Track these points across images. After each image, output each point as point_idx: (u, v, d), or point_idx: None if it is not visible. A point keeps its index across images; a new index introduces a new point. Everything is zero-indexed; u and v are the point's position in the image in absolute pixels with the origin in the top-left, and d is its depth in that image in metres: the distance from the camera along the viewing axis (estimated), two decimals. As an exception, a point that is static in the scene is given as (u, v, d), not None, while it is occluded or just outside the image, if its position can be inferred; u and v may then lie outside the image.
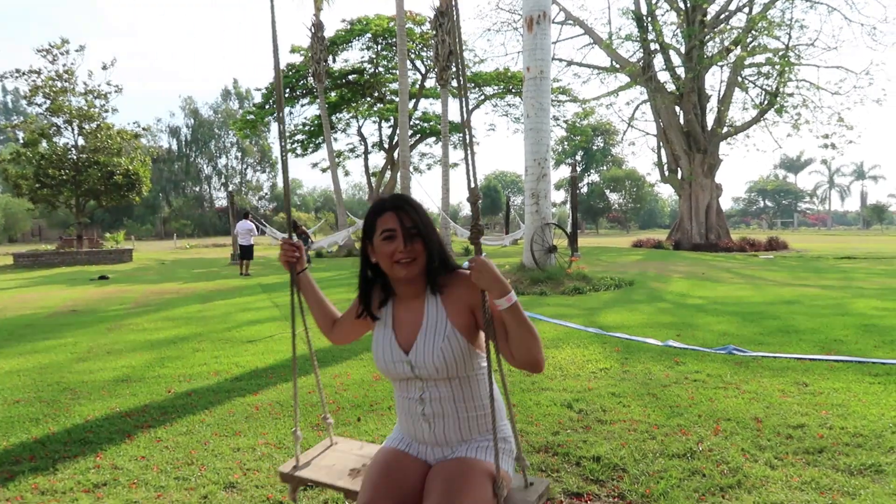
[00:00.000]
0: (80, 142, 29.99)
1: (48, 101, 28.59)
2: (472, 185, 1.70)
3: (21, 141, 29.77)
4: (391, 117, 32.79)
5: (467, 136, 1.79)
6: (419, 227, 1.82)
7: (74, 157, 29.39)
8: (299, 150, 35.22)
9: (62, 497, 3.03)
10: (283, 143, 2.30)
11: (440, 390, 1.86)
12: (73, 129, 29.81)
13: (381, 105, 33.12)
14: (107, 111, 30.34)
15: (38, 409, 4.51)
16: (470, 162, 1.72)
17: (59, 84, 28.86)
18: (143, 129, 33.78)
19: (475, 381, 1.88)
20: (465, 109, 1.78)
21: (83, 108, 29.42)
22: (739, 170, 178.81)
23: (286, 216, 2.23)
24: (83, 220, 31.70)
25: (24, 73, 28.24)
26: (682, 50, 27.14)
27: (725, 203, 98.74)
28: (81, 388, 5.07)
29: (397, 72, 23.40)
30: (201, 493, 3.03)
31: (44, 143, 29.69)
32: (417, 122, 33.78)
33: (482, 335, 1.87)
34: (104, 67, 30.04)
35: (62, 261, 25.42)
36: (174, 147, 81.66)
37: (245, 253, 17.58)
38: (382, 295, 1.97)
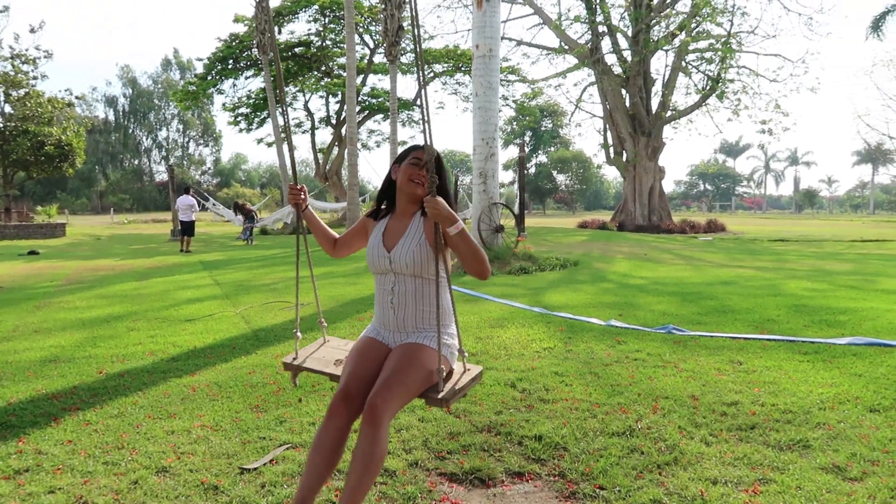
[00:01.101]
0: (7, 109, 28.43)
1: (-31, 66, 26.98)
2: (427, 142, 2.21)
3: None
4: (339, 92, 32.16)
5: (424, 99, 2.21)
6: (438, 165, 2.40)
7: (1, 126, 27.86)
8: (243, 125, 34.24)
9: (-21, 485, 2.85)
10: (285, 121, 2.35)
11: (406, 285, 2.43)
12: (-2, 96, 28.23)
13: (329, 79, 32.40)
14: (36, 78, 28.82)
15: (-44, 391, 4.25)
16: (427, 122, 2.19)
17: (-19, 47, 27.21)
18: (77, 97, 32.28)
19: (432, 286, 2.41)
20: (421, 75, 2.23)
21: (9, 73, 27.85)
22: (682, 153, 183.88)
23: (292, 167, 2.82)
24: (12, 193, 30.23)
25: (-59, 35, 26.58)
26: (629, 33, 27.46)
27: (668, 186, 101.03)
28: (5, 370, 4.82)
29: (345, 46, 22.91)
30: (131, 478, 2.91)
31: (-34, 110, 28.03)
32: (366, 97, 33.22)
33: (448, 251, 2.42)
34: (32, 31, 28.46)
35: (-12, 235, 24.15)
36: (111, 118, 78.15)
37: (186, 229, 17.13)
38: (386, 210, 2.61)
